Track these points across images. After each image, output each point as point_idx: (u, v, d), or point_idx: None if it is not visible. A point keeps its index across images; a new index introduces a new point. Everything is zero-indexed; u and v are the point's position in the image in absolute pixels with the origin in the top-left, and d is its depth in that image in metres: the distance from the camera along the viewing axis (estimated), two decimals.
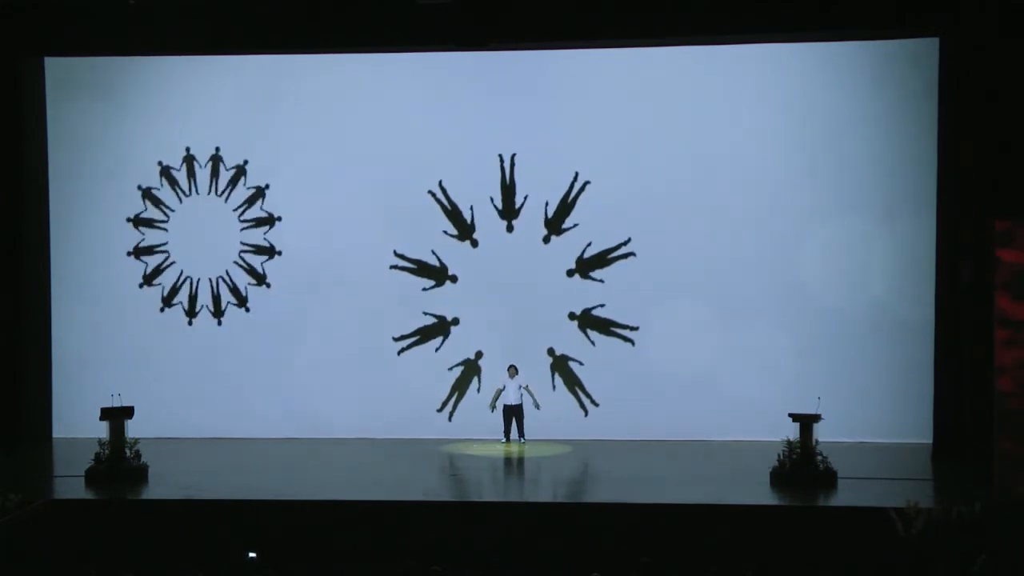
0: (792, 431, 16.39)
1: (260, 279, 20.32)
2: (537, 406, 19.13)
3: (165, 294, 20.40)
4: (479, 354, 20.16)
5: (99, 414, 16.76)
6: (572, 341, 20.02)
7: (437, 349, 20.17)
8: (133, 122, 20.32)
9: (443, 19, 18.22)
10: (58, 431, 20.10)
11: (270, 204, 20.31)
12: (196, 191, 20.41)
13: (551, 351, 20.07)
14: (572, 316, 20.04)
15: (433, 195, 20.16)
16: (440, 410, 20.15)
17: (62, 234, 20.34)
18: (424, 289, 20.17)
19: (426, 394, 20.07)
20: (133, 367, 20.01)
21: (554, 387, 19.94)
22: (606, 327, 19.97)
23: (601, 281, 19.90)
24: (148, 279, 20.40)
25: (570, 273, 20.04)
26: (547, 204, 20.06)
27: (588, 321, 19.99)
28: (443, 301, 20.20)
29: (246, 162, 20.30)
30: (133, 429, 16.92)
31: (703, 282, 19.60)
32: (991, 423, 15.37)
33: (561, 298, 20.00)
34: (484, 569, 13.53)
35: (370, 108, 20.09)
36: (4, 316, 19.43)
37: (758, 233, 19.53)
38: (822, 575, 13.21)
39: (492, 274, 20.10)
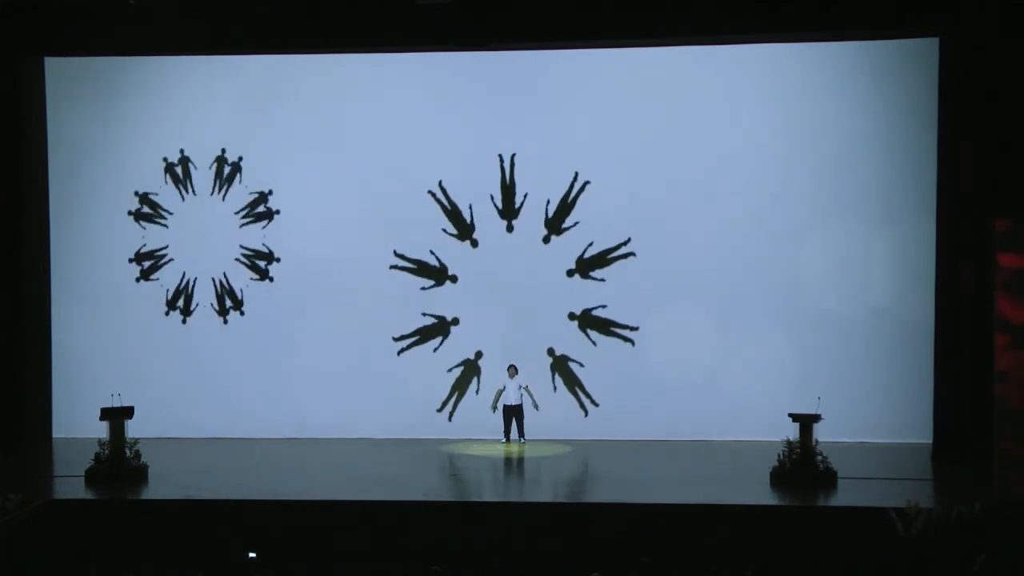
0: (792, 431, 16.39)
1: (263, 274, 20.30)
2: (536, 407, 19.13)
3: (169, 297, 20.39)
4: (479, 354, 20.17)
5: (99, 414, 16.76)
6: (572, 341, 20.02)
7: (435, 350, 20.16)
8: (133, 122, 20.33)
9: (443, 19, 18.23)
10: (58, 431, 20.10)
11: (270, 202, 20.31)
12: (193, 191, 20.40)
13: (551, 351, 20.07)
14: (572, 316, 20.04)
15: (433, 195, 20.16)
16: (440, 410, 20.15)
17: (62, 234, 20.34)
18: (423, 288, 20.17)
19: (426, 394, 20.08)
20: (133, 367, 20.01)
21: (555, 388, 19.94)
22: (606, 327, 19.97)
23: (602, 280, 19.90)
24: (145, 274, 20.38)
25: (570, 273, 20.04)
26: (547, 204, 20.06)
27: (588, 321, 19.99)
28: (443, 301, 20.20)
29: (240, 159, 20.30)
30: (133, 429, 16.92)
31: (703, 282, 19.60)
32: (991, 423, 15.35)
33: (561, 298, 20.00)
34: (484, 569, 13.53)
35: (370, 108, 20.09)
36: (4, 316, 19.44)
37: (758, 232, 19.53)
38: (822, 575, 13.21)
39: (492, 274, 20.10)
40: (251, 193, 20.28)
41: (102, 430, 16.76)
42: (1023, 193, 16.76)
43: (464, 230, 20.22)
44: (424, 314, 20.20)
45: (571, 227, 20.00)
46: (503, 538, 14.49)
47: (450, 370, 20.17)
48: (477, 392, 20.02)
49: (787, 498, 15.70)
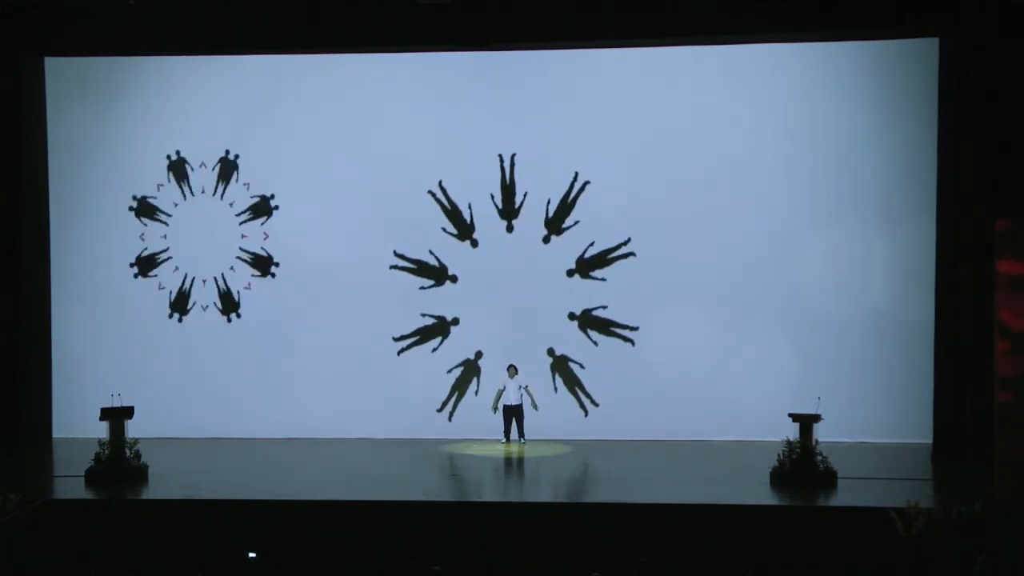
0: (792, 431, 16.39)
1: (265, 270, 20.30)
2: (535, 407, 19.13)
3: (172, 299, 20.39)
4: (479, 354, 20.16)
5: (99, 414, 16.75)
6: (572, 341, 20.01)
7: (434, 350, 20.15)
8: (133, 122, 20.33)
9: (443, 19, 18.24)
10: (58, 431, 20.10)
11: (271, 201, 20.31)
12: (191, 192, 20.39)
13: (551, 351, 20.07)
14: (572, 316, 20.04)
15: (433, 195, 20.16)
16: (440, 410, 20.15)
17: (62, 234, 20.34)
18: (421, 288, 20.17)
19: (426, 394, 20.07)
20: (133, 367, 20.01)
21: (556, 389, 19.94)
22: (606, 327, 19.97)
23: (603, 280, 19.89)
24: (143, 271, 20.36)
25: (570, 273, 20.03)
26: (547, 204, 20.06)
27: (588, 321, 19.99)
28: (443, 301, 20.20)
29: (237, 156, 20.29)
30: (133, 429, 16.92)
31: (703, 282, 19.60)
32: (991, 423, 15.35)
33: (561, 298, 20.00)
34: (484, 569, 13.52)
35: (370, 108, 20.09)
36: (4, 316, 19.44)
37: (758, 232, 19.53)
38: (822, 575, 13.21)
39: (492, 274, 20.10)
40: (252, 197, 20.27)
41: (102, 430, 16.75)
42: (1023, 193, 16.76)
43: (464, 230, 20.22)
44: (424, 314, 20.20)
45: (571, 227, 20.00)
46: (503, 538, 14.49)
47: (450, 370, 20.17)
48: (476, 393, 20.01)
49: (787, 498, 15.70)
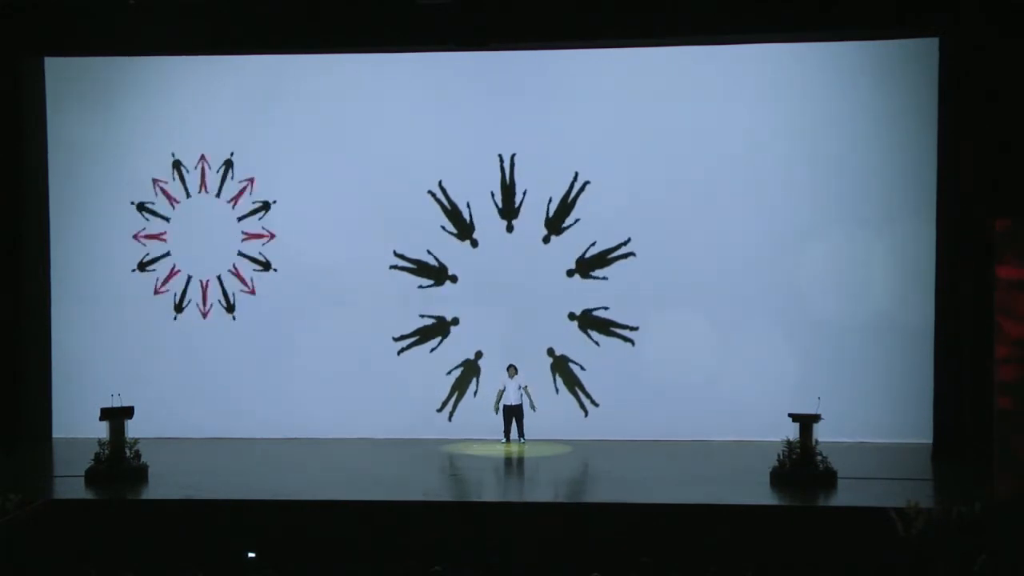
0: (792, 431, 16.39)
1: (266, 266, 20.30)
2: (533, 408, 19.13)
3: (176, 300, 20.38)
4: (479, 354, 20.16)
5: (99, 414, 16.75)
6: (572, 341, 20.01)
7: (433, 350, 20.14)
8: (133, 122, 20.33)
9: (443, 19, 18.24)
10: (58, 431, 20.10)
11: (270, 200, 20.31)
12: (188, 192, 20.39)
13: (551, 351, 20.06)
14: (572, 316, 20.04)
15: (433, 195, 20.16)
16: (440, 410, 20.15)
17: (62, 234, 20.34)
18: (420, 287, 20.16)
19: (426, 394, 20.07)
20: (133, 367, 20.01)
21: (556, 389, 19.93)
22: (606, 327, 19.97)
23: (605, 279, 19.89)
24: (142, 266, 20.37)
25: (570, 273, 20.03)
26: (547, 204, 20.06)
27: (588, 321, 19.99)
28: (443, 301, 20.20)
29: (232, 154, 20.28)
30: (133, 429, 16.92)
31: (703, 282, 19.60)
32: (991, 423, 15.34)
33: (561, 298, 20.00)
34: (484, 569, 13.52)
35: (370, 108, 20.09)
36: (4, 316, 19.43)
37: (758, 232, 19.53)
38: (822, 575, 13.21)
39: (492, 274, 20.09)
40: (255, 202, 20.28)
41: (102, 430, 16.75)
42: (1023, 193, 16.76)
43: (464, 230, 20.22)
44: (423, 314, 20.20)
45: (571, 227, 20.00)
46: (503, 538, 14.49)
47: (449, 373, 20.17)
48: (475, 394, 20.01)
49: (787, 498, 15.70)
